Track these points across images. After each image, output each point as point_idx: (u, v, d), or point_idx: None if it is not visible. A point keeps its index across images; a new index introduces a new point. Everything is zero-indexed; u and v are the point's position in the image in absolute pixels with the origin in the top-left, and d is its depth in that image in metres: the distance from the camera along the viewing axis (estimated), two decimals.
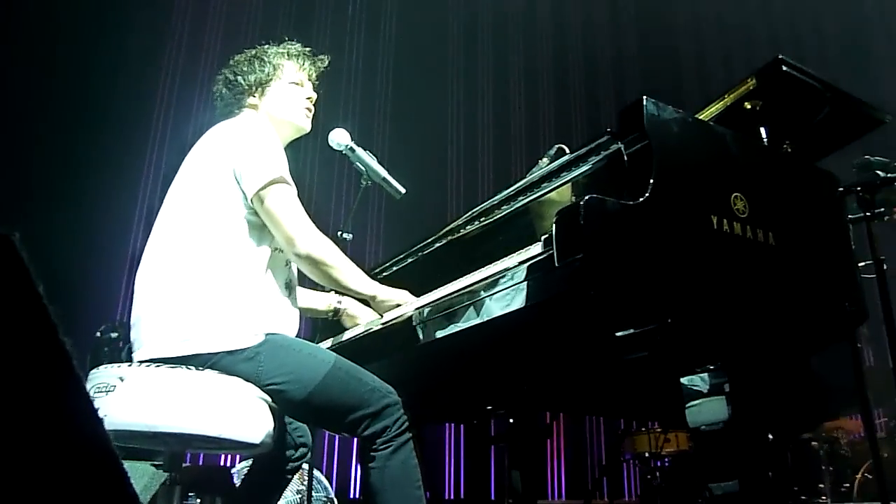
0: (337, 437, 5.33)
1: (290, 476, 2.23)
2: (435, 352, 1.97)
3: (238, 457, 4.45)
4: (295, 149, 2.25)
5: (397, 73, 6.69)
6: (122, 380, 1.75)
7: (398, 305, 2.09)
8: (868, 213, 2.29)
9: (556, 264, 1.48)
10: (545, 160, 2.15)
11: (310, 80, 2.33)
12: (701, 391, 1.90)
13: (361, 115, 6.10)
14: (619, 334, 1.62)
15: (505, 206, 2.24)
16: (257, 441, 1.84)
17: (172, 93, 5.65)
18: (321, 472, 4.11)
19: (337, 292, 2.36)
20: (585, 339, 1.78)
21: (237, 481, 3.45)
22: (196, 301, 1.88)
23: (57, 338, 0.58)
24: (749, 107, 2.13)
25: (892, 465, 4.27)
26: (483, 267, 1.78)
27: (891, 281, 2.31)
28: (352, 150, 2.45)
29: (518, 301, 1.63)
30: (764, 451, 1.81)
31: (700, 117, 2.13)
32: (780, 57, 2.07)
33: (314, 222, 2.02)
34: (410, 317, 1.98)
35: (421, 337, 1.94)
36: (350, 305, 2.38)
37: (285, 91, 2.25)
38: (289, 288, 2.10)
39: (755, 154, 1.99)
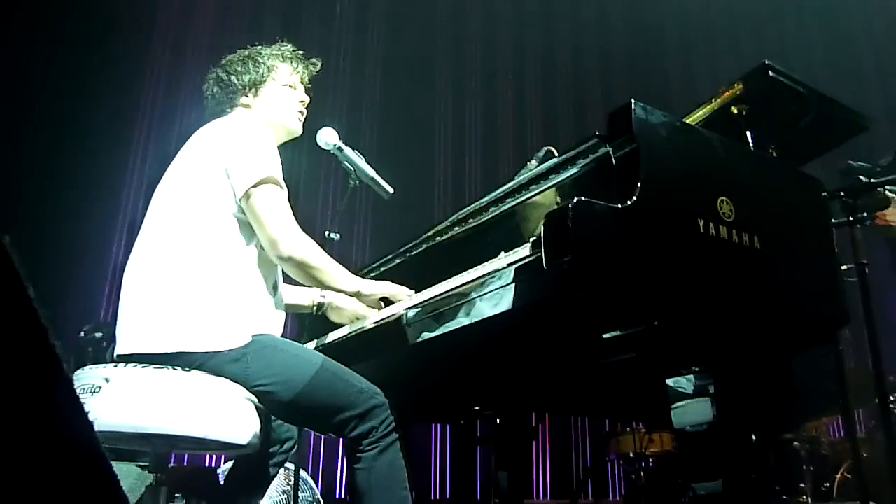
0: (323, 437, 5.32)
1: (275, 470, 2.23)
2: (423, 353, 1.98)
3: (223, 457, 4.43)
4: (282, 148, 2.25)
5: (385, 73, 6.69)
6: (107, 381, 1.74)
7: (383, 297, 2.11)
8: (851, 218, 2.31)
9: (545, 266, 1.48)
10: (533, 162, 2.16)
11: (302, 83, 2.32)
12: (686, 392, 1.91)
13: (349, 115, 6.08)
14: (606, 336, 1.63)
15: (493, 208, 2.24)
16: (244, 442, 1.84)
17: (157, 93, 5.61)
18: (307, 472, 4.10)
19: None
20: (573, 340, 1.80)
21: (222, 481, 3.43)
22: (183, 299, 1.87)
23: (47, 341, 0.58)
24: (736, 111, 2.15)
25: (872, 465, 4.31)
26: (471, 269, 1.79)
27: (872, 284, 2.33)
28: (340, 149, 2.45)
29: (506, 303, 1.64)
30: (748, 452, 1.83)
31: (687, 121, 2.15)
32: (767, 62, 2.09)
33: (300, 222, 2.01)
34: (399, 317, 1.99)
35: (409, 338, 1.95)
36: (335, 299, 2.38)
37: (279, 93, 2.25)
38: (275, 287, 2.10)
39: (742, 158, 2.01)
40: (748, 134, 2.14)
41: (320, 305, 2.41)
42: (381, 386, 1.96)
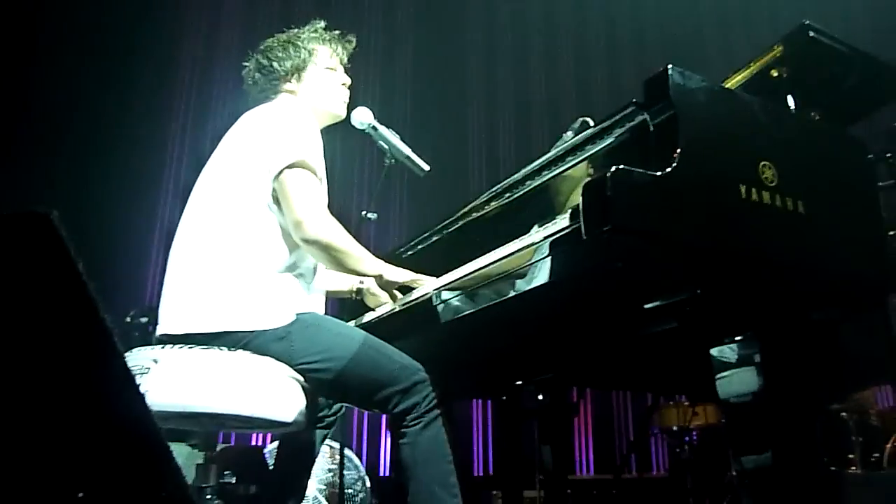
0: (366, 416, 5.38)
1: (326, 433, 2.27)
2: (462, 329, 1.98)
3: (269, 437, 4.51)
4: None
5: (416, 50, 6.66)
6: (156, 361, 1.78)
7: (403, 284, 2.12)
8: None
9: (584, 237, 1.47)
10: (569, 133, 2.14)
11: (342, 63, 2.33)
12: (731, 362, 1.88)
13: (381, 94, 6.08)
14: (647, 306, 1.62)
15: (529, 182, 2.22)
16: (290, 420, 1.87)
17: (195, 65, 5.68)
18: (351, 450, 4.15)
19: None
20: (613, 312, 1.78)
21: (270, 461, 3.50)
22: (227, 279, 1.90)
23: (97, 314, 0.59)
24: (776, 74, 2.09)
25: None
26: (508, 243, 1.78)
27: None
28: (374, 128, 2.45)
29: (543, 276, 1.62)
30: (796, 423, 1.80)
31: (726, 86, 2.11)
32: (807, 22, 2.03)
33: (337, 203, 2.02)
34: (433, 295, 1.99)
35: (445, 315, 1.95)
36: (372, 284, 2.39)
37: (322, 77, 2.26)
38: (315, 269, 2.12)
39: (783, 122, 1.96)
40: (789, 97, 2.08)
41: (359, 290, 2.44)
42: (421, 362, 1.97)
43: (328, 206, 2.04)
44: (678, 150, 1.57)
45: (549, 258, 1.60)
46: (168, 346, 1.83)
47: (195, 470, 1.99)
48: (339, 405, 2.26)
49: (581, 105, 6.99)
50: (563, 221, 1.58)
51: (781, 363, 1.76)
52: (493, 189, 2.36)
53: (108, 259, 4.59)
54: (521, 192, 2.25)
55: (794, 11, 6.91)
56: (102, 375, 0.59)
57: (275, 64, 2.23)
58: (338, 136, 2.45)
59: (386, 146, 2.45)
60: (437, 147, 4.67)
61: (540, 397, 2.62)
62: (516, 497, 2.93)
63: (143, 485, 0.61)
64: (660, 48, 7.28)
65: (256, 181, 1.98)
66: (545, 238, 1.62)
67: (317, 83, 2.25)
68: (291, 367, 1.87)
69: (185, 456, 2.56)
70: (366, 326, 2.23)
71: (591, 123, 2.03)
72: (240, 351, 1.82)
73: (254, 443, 4.78)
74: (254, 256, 1.94)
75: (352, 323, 2.35)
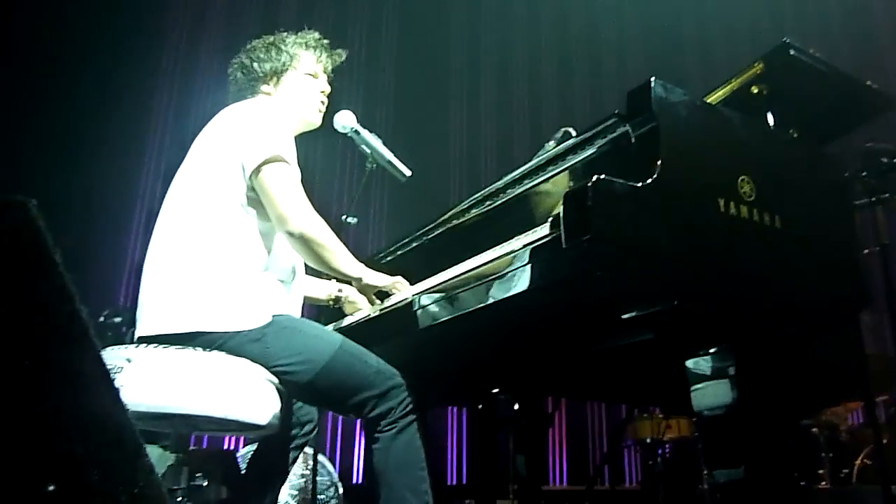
0: (340, 422, 5.34)
1: (295, 454, 2.24)
2: (439, 335, 1.97)
3: (242, 441, 4.47)
4: (298, 135, 2.25)
5: (399, 56, 6.67)
6: (129, 361, 1.76)
7: (383, 289, 2.10)
8: (874, 199, 2.29)
9: (564, 245, 1.48)
10: (551, 143, 2.15)
11: (325, 72, 2.32)
12: (706, 374, 1.90)
13: (364, 98, 6.07)
14: (625, 317, 1.62)
15: (510, 190, 2.23)
16: (264, 423, 1.85)
17: (174, 78, 5.63)
18: (325, 455, 4.12)
19: (337, 280, 2.37)
20: (590, 321, 1.79)
21: (242, 466, 3.46)
22: (203, 280, 1.88)
23: (74, 304, 0.58)
24: (756, 91, 2.12)
25: (893, 451, 4.28)
26: (487, 251, 1.78)
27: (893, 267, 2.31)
28: (357, 132, 2.44)
29: (523, 283, 1.63)
30: (768, 437, 1.82)
31: (708, 101, 2.13)
32: (787, 41, 2.06)
33: (317, 207, 2.01)
34: (411, 301, 1.99)
35: (423, 321, 1.95)
36: (351, 293, 2.39)
37: (300, 82, 2.25)
38: (294, 272, 2.11)
39: (763, 138, 1.99)
40: (769, 114, 2.11)
41: (337, 299, 2.43)
42: (398, 368, 1.96)
43: None
44: (659, 163, 1.58)
45: (529, 266, 1.60)
46: (142, 346, 1.80)
47: (166, 471, 1.96)
48: (310, 426, 2.24)
49: (563, 114, 7.03)
50: (543, 230, 1.59)
51: (755, 376, 1.78)
52: (474, 197, 2.36)
53: (82, 260, 4.53)
54: (502, 201, 2.26)
55: (775, 27, 7.03)
56: (77, 366, 0.58)
57: (255, 65, 2.23)
58: (319, 139, 2.44)
59: (368, 150, 2.44)
60: (419, 153, 4.67)
61: (516, 407, 2.62)
62: None
63: (116, 479, 0.60)
64: (642, 60, 7.33)
65: (231, 180, 1.96)
66: (525, 246, 1.62)
67: (294, 88, 2.24)
68: (267, 369, 1.86)
69: (156, 458, 2.53)
70: (343, 330, 2.22)
71: (574, 134, 2.04)
72: (215, 352, 1.80)
73: (226, 447, 4.73)
74: (230, 257, 1.92)
75: (330, 327, 2.33)
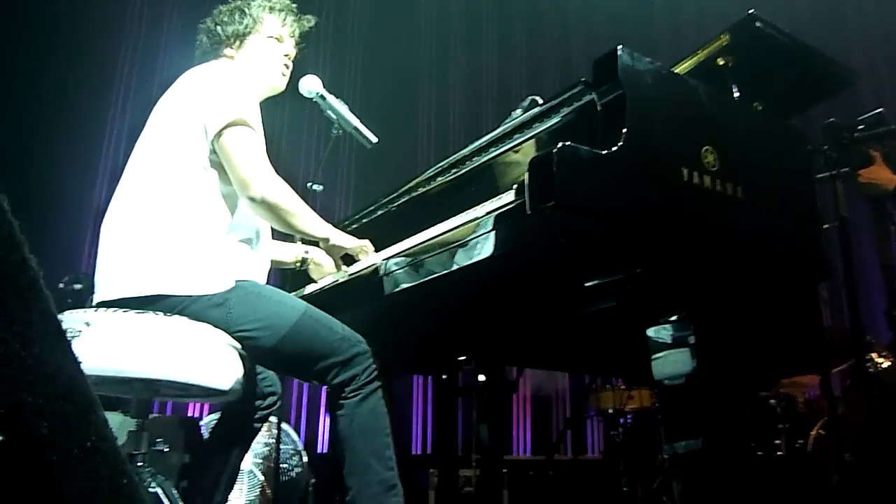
0: (306, 392, 5.34)
1: (258, 426, 2.24)
2: (403, 302, 1.97)
3: (206, 409, 4.45)
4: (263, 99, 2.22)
5: (368, 22, 6.58)
6: (88, 325, 1.73)
7: (349, 250, 2.10)
8: (835, 172, 2.32)
9: (528, 211, 1.48)
10: (518, 111, 2.14)
11: (291, 36, 2.29)
12: (666, 343, 1.92)
13: (332, 64, 5.98)
14: (588, 284, 1.64)
15: (476, 158, 2.22)
16: (226, 388, 1.84)
17: (138, 37, 5.48)
18: (289, 425, 4.12)
19: (303, 241, 2.36)
20: (554, 289, 1.80)
21: (205, 434, 3.45)
22: (164, 244, 1.86)
23: (23, 252, 0.57)
24: (722, 62, 2.13)
25: (847, 422, 4.39)
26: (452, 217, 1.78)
27: (852, 243, 2.35)
28: (322, 97, 2.41)
29: (487, 250, 1.63)
30: (727, 407, 1.85)
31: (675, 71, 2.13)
32: (753, 12, 2.07)
33: (282, 173, 1.99)
34: (377, 267, 1.98)
35: (388, 287, 1.94)
36: (318, 255, 2.37)
37: (263, 45, 2.22)
38: (259, 236, 2.09)
39: (727, 109, 2.00)
40: (733, 86, 2.13)
41: (304, 261, 2.41)
42: (363, 335, 1.96)
43: None
44: (624, 131, 1.58)
45: (493, 233, 1.61)
46: (101, 310, 1.78)
47: (126, 437, 1.94)
48: (273, 398, 2.23)
49: (532, 83, 7.00)
50: (508, 196, 1.59)
51: (714, 345, 1.80)
52: (440, 164, 2.35)
53: (43, 225, 4.44)
54: (468, 169, 2.25)
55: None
56: (26, 315, 0.57)
57: (219, 28, 2.21)
58: (285, 104, 2.41)
59: (334, 116, 2.42)
60: (386, 120, 4.61)
61: (481, 378, 2.64)
62: (452, 475, 2.95)
63: (67, 432, 0.59)
64: (611, 29, 7.31)
65: (192, 142, 1.93)
66: (489, 212, 1.62)
67: (256, 51, 2.21)
68: (229, 334, 1.84)
69: (117, 424, 2.50)
70: (308, 297, 2.20)
71: (540, 102, 2.04)
72: (176, 316, 1.78)
73: (190, 415, 4.71)
74: (191, 220, 1.89)
75: (296, 294, 2.32)
